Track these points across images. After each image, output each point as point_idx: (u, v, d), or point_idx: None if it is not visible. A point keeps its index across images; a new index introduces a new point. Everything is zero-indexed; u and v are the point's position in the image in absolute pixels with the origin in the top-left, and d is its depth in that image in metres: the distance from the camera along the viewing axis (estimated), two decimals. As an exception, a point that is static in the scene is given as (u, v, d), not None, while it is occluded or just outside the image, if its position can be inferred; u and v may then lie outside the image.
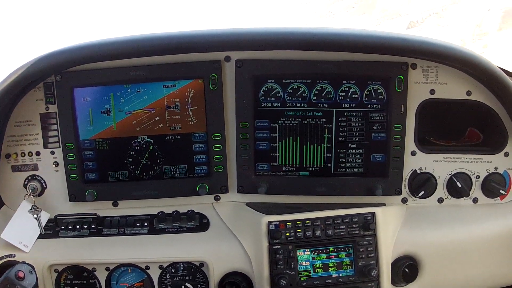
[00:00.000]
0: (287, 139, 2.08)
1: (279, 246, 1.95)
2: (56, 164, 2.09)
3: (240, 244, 2.00)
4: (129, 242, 2.03)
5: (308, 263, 1.97)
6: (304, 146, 2.08)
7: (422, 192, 2.09)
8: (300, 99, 2.04)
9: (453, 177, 2.09)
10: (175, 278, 2.07)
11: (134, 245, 2.02)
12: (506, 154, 2.09)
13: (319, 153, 2.09)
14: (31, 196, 2.06)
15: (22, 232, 2.02)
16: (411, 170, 2.10)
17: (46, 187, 2.11)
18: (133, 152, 2.09)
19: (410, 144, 2.07)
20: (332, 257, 1.97)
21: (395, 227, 2.04)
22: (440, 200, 2.13)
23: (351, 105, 2.04)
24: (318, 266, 1.97)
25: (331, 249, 1.97)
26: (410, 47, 1.89)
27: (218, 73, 2.02)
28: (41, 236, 2.04)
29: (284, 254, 1.95)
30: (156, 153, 2.10)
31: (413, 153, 2.08)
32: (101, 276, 2.04)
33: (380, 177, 2.08)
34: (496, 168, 2.10)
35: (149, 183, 2.11)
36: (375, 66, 2.00)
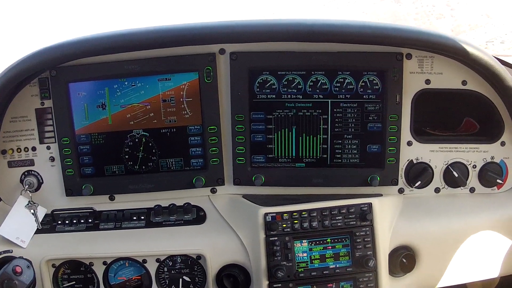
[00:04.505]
0: (283, 130, 2.08)
1: (276, 238, 1.95)
2: (52, 159, 2.09)
3: (237, 236, 2.00)
4: (126, 236, 2.03)
5: (305, 254, 1.97)
6: (300, 138, 2.08)
7: (419, 182, 2.08)
8: (295, 91, 2.04)
9: (449, 167, 2.09)
10: (172, 271, 2.07)
11: (131, 239, 2.02)
12: (503, 143, 2.09)
13: (315, 144, 2.09)
14: (28, 191, 2.06)
15: (19, 227, 2.02)
16: (408, 160, 2.10)
17: (43, 182, 2.11)
18: (128, 146, 2.09)
19: (406, 134, 2.07)
20: (329, 248, 1.97)
21: (392, 218, 2.04)
22: (437, 190, 2.13)
23: (347, 96, 2.04)
24: (315, 257, 1.97)
25: (328, 240, 1.97)
26: (404, 37, 1.89)
27: (213, 66, 2.01)
28: (38, 231, 2.04)
29: (281, 246, 1.95)
30: (152, 146, 2.09)
31: (409, 143, 2.08)
32: (99, 270, 2.04)
33: (377, 168, 2.08)
34: (492, 158, 2.10)
35: (146, 176, 2.11)
36: (370, 57, 1.99)
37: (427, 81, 2.04)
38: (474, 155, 2.10)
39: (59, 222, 2.07)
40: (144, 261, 2.03)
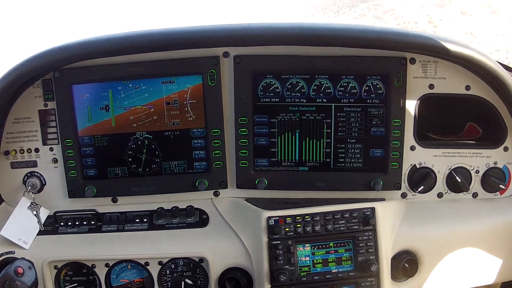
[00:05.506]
0: (286, 134, 2.08)
1: (279, 242, 1.95)
2: (55, 160, 2.09)
3: (239, 240, 2.00)
4: (129, 238, 2.03)
5: (307, 258, 1.96)
6: (303, 141, 2.08)
7: (422, 187, 2.08)
8: (299, 95, 2.04)
9: (452, 171, 2.09)
10: (174, 274, 2.06)
11: (134, 241, 2.02)
12: (506, 149, 2.08)
13: (318, 148, 2.08)
14: (30, 192, 2.06)
15: (21, 228, 2.02)
16: (411, 165, 2.10)
17: (45, 183, 2.11)
18: (132, 149, 2.09)
19: (409, 139, 2.07)
20: (331, 252, 1.97)
21: (395, 222, 2.04)
22: (440, 195, 2.13)
23: (350, 100, 2.04)
24: (317, 262, 1.96)
25: (331, 244, 1.97)
26: (408, 41, 1.89)
27: (217, 69, 2.01)
28: (40, 233, 2.04)
29: (284, 250, 1.95)
30: (155, 149, 2.09)
31: (413, 148, 2.08)
32: (101, 272, 2.04)
33: (380, 172, 2.08)
34: (495, 163, 2.10)
35: (149, 179, 2.10)
36: (373, 61, 1.99)
37: (431, 86, 2.04)
38: (477, 160, 2.10)
39: (62, 223, 2.07)
40: (147, 263, 2.03)
